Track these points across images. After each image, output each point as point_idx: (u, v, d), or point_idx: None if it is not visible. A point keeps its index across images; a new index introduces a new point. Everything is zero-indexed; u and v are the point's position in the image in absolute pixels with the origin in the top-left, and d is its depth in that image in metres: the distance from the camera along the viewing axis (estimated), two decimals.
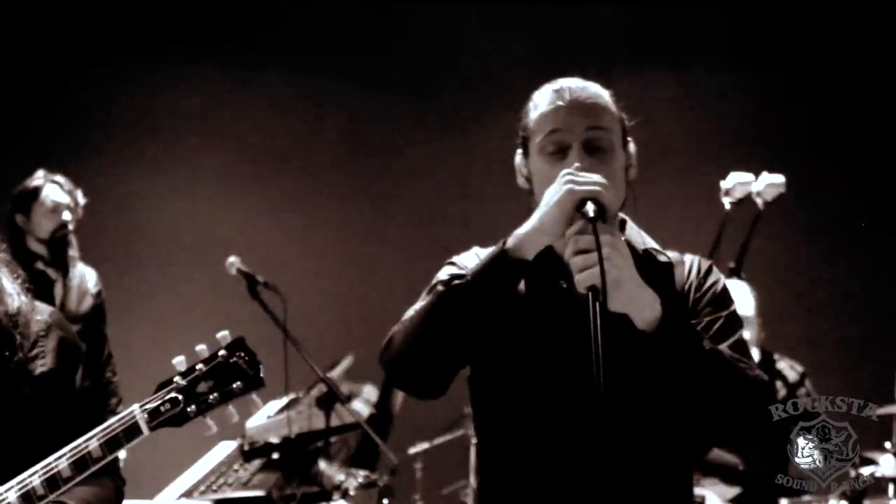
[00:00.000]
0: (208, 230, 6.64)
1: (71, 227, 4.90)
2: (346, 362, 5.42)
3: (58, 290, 4.88)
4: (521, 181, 2.24)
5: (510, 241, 2.04)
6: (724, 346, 2.12)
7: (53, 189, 4.90)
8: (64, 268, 4.92)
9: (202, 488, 4.17)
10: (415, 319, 2.09)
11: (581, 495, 2.07)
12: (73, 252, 4.95)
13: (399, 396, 5.21)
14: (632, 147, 2.24)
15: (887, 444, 4.25)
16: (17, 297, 2.40)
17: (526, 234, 2.03)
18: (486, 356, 2.16)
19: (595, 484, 1.90)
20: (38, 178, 4.91)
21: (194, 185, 6.74)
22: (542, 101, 2.18)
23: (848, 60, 6.66)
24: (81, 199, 4.99)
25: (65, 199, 4.90)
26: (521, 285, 2.12)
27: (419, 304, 2.17)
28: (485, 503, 2.25)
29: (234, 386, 2.21)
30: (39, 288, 4.71)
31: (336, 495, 4.21)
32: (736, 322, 2.20)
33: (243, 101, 6.78)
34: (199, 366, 2.22)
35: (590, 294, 1.91)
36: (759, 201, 4.73)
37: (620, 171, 2.17)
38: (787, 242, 6.62)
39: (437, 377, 2.13)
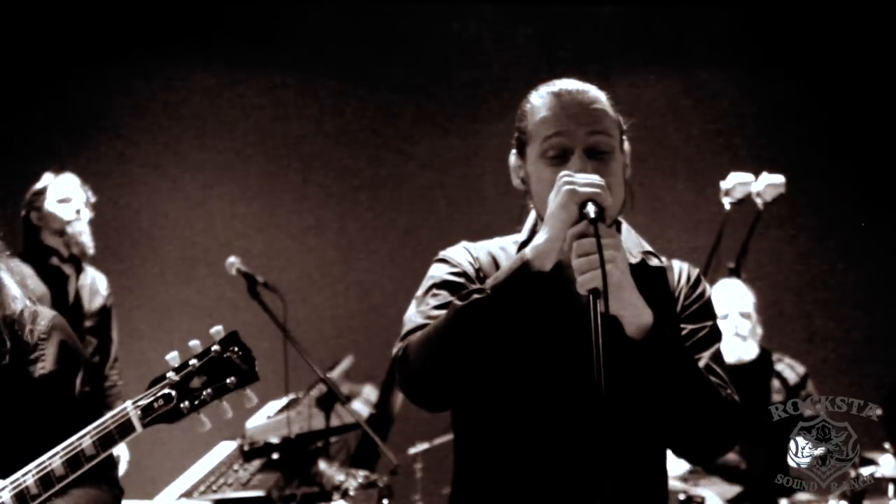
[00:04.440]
0: (208, 230, 6.64)
1: (83, 216, 4.94)
2: (346, 362, 5.42)
3: (71, 285, 4.93)
4: (516, 182, 2.24)
5: (529, 254, 2.03)
6: (703, 356, 2.14)
7: (64, 179, 4.97)
8: (77, 264, 4.97)
9: (202, 488, 4.17)
10: (431, 335, 2.06)
11: (579, 496, 2.07)
12: (88, 240, 4.97)
13: (399, 396, 5.20)
14: (627, 146, 2.23)
15: (887, 444, 4.25)
16: (20, 301, 2.39)
17: (542, 244, 2.03)
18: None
19: (593, 485, 1.90)
20: (47, 177, 4.99)
21: (194, 184, 6.73)
22: (540, 104, 2.17)
23: (848, 60, 6.66)
24: (91, 197, 5.04)
25: (76, 189, 4.97)
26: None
27: (419, 308, 2.16)
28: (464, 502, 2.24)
29: (228, 381, 2.20)
30: (54, 284, 4.81)
31: (336, 495, 4.21)
32: (717, 334, 2.21)
33: (243, 101, 6.78)
34: (193, 361, 2.21)
35: (591, 297, 1.91)
36: (759, 201, 4.72)
37: (620, 172, 2.16)
38: (787, 242, 6.62)
39: (456, 391, 2.12)
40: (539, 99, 2.19)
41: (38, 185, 4.95)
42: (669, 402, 2.05)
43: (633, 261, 2.18)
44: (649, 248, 2.26)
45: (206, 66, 6.77)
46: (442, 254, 2.26)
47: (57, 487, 2.18)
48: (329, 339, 6.26)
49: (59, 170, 5.00)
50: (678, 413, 2.06)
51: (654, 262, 2.23)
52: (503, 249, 2.24)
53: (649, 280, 2.15)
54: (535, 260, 2.03)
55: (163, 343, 6.66)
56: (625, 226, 2.27)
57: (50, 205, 4.90)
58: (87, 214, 4.97)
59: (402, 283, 6.58)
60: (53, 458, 2.18)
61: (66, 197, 4.91)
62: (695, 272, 2.26)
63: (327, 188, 6.80)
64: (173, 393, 2.19)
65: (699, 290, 2.23)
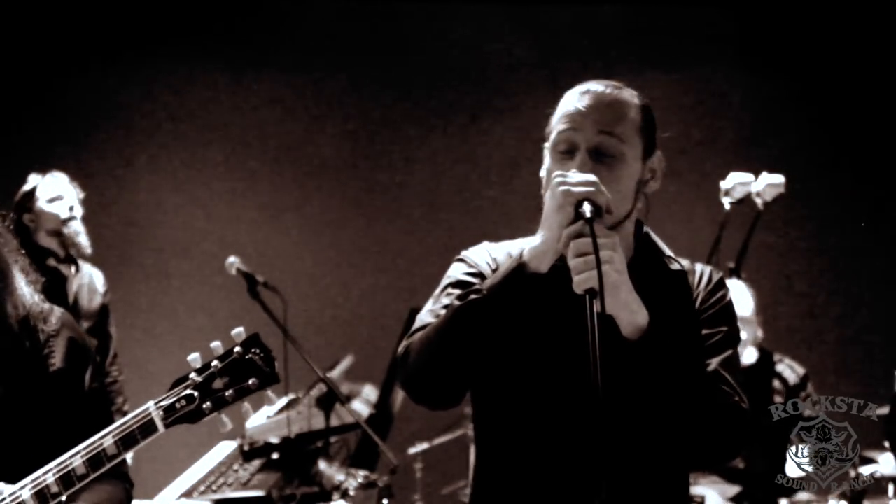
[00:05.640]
0: (208, 230, 6.64)
1: (76, 213, 4.92)
2: (346, 362, 5.41)
3: (70, 286, 4.91)
4: (542, 173, 2.22)
5: (526, 255, 2.04)
6: (713, 362, 2.12)
7: (51, 179, 4.93)
8: (75, 264, 4.96)
9: (202, 488, 4.17)
10: (430, 334, 2.08)
11: (577, 496, 2.07)
12: (84, 240, 4.95)
13: (399, 396, 5.20)
14: (657, 161, 2.20)
15: (887, 444, 4.25)
16: (29, 298, 2.41)
17: (538, 246, 2.03)
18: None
19: (591, 485, 1.90)
20: (34, 178, 4.95)
21: (194, 185, 6.73)
22: (566, 100, 2.17)
23: (848, 60, 6.66)
24: (81, 192, 5.02)
25: (66, 186, 4.94)
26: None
27: (432, 306, 2.17)
28: (481, 501, 2.25)
29: (250, 382, 2.22)
30: (52, 284, 4.78)
31: (336, 495, 4.21)
32: (733, 339, 2.19)
33: (243, 100, 6.78)
34: (215, 362, 2.23)
35: (587, 297, 1.90)
36: (758, 201, 4.72)
37: (628, 179, 2.13)
38: (787, 242, 6.62)
39: (454, 390, 2.14)
40: (569, 94, 2.18)
41: (27, 187, 4.89)
42: (666, 403, 2.04)
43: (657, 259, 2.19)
44: (670, 253, 2.25)
45: (207, 66, 6.77)
46: (463, 253, 2.26)
47: (77, 486, 2.20)
48: (329, 339, 6.26)
49: (44, 169, 4.96)
50: (676, 415, 2.05)
51: (674, 266, 2.22)
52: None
53: (669, 284, 2.15)
54: (532, 261, 2.03)
55: (161, 343, 6.68)
56: (650, 232, 2.26)
57: (42, 204, 4.85)
58: (79, 211, 4.95)
59: (402, 283, 6.60)
60: (75, 458, 2.19)
61: (57, 195, 4.88)
62: (717, 276, 2.24)
63: (327, 188, 6.80)
64: (196, 394, 2.21)
65: (718, 295, 2.20)
